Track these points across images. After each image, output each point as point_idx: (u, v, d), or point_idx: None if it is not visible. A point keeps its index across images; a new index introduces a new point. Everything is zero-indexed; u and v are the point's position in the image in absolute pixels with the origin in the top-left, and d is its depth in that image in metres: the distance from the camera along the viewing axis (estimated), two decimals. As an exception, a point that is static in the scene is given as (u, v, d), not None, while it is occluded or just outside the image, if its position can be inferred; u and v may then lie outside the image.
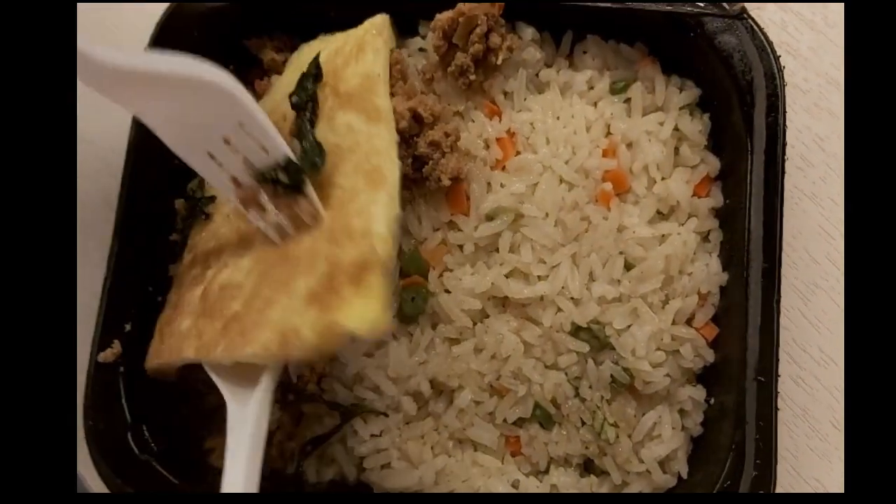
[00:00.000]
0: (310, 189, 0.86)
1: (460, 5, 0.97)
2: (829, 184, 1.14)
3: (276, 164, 0.85)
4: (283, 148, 0.85)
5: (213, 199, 1.02)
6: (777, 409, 0.92)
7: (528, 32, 1.02)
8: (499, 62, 0.99)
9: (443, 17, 0.98)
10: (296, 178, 0.85)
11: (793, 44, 1.17)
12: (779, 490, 1.04)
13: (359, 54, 0.96)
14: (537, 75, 1.04)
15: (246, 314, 0.85)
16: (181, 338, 0.91)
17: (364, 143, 0.89)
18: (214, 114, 0.81)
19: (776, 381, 0.92)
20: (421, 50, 1.04)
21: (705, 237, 1.02)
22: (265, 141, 0.84)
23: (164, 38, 1.01)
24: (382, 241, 0.80)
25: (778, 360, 0.93)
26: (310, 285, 0.81)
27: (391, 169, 0.87)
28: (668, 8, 0.94)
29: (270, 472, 1.02)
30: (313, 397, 1.02)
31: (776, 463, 0.91)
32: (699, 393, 1.00)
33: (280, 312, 0.81)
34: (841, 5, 1.16)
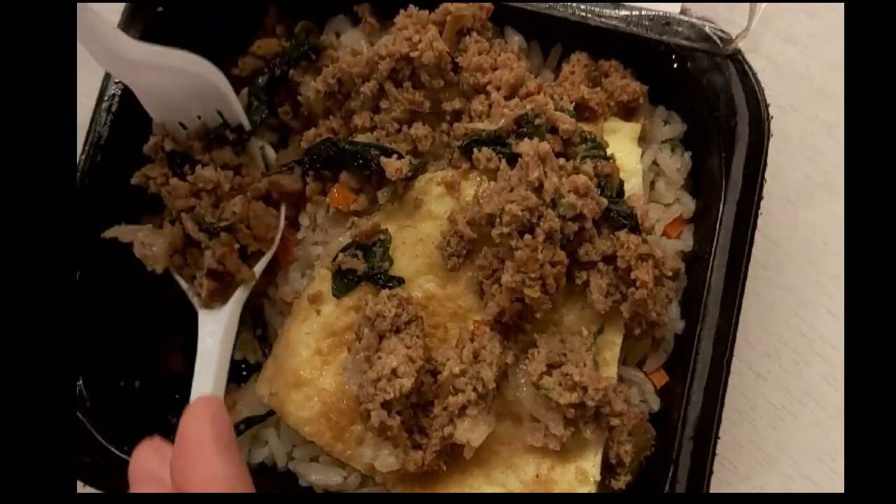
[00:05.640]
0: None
1: (446, 4, 0.93)
2: (842, 172, 1.09)
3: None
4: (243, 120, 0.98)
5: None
6: (712, 471, 0.88)
7: (516, 40, 0.97)
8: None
9: (423, 14, 0.93)
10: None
11: (791, 31, 1.11)
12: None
13: None
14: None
15: None
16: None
17: None
18: (200, 98, 0.94)
19: (715, 442, 0.88)
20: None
21: (669, 280, 0.97)
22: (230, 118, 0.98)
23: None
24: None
25: (720, 421, 0.88)
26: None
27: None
28: (662, 37, 0.88)
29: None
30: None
31: (703, 525, 0.87)
32: (640, 440, 0.96)
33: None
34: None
